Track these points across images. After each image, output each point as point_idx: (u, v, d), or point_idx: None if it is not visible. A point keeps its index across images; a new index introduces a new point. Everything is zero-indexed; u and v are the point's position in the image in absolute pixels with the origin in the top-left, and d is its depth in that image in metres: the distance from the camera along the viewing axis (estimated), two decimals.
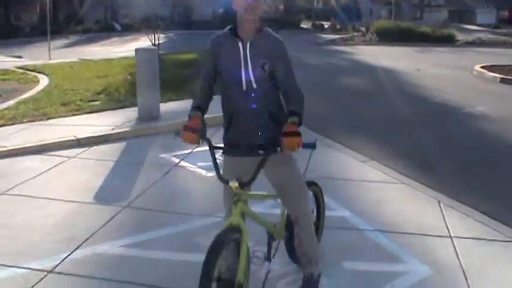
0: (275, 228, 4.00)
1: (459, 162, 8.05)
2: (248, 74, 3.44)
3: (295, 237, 3.92)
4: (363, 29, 42.88)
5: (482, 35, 42.58)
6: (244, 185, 3.31)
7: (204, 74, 3.68)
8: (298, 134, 3.20)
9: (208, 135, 3.48)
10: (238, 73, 3.46)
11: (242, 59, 3.44)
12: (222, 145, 3.66)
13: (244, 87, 3.46)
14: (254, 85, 3.45)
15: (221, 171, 3.47)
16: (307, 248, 3.91)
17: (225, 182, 3.35)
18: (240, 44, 3.44)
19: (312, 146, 3.27)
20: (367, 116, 11.59)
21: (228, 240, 3.18)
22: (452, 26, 42.75)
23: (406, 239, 5.12)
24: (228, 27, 3.55)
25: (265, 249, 3.93)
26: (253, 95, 3.47)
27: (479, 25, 66.53)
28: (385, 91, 15.38)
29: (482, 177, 7.25)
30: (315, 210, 4.49)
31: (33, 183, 6.58)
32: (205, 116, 3.60)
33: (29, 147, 7.95)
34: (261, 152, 3.39)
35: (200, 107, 3.60)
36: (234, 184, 3.28)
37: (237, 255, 3.23)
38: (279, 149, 3.24)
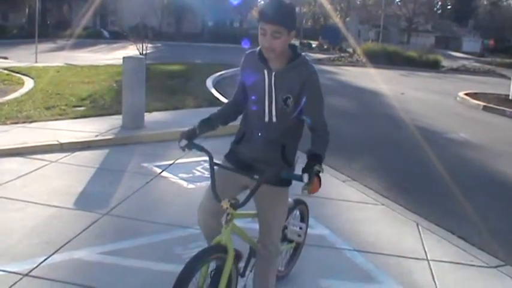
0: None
1: (440, 186, 8.12)
2: (271, 107, 3.33)
3: (256, 266, 3.74)
4: (350, 50, 43.21)
5: (467, 63, 43.25)
6: (237, 206, 3.24)
7: (236, 89, 3.61)
8: (319, 186, 3.18)
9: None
10: (261, 103, 3.35)
11: (267, 90, 3.31)
12: (219, 162, 3.57)
13: (266, 118, 3.36)
14: (274, 119, 3.35)
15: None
16: (266, 280, 3.69)
17: (218, 200, 3.27)
18: (266, 73, 3.30)
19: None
20: (349, 136, 11.66)
21: (208, 258, 3.16)
22: (438, 52, 43.30)
23: (383, 260, 5.15)
24: (259, 48, 3.30)
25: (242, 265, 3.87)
26: (271, 127, 3.37)
27: (464, 52, 67.53)
28: (369, 113, 15.52)
29: (462, 202, 7.31)
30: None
31: (12, 186, 6.53)
32: None
33: (11, 149, 7.88)
34: (255, 176, 3.30)
35: (209, 119, 3.58)
36: (226, 204, 3.21)
37: (220, 274, 3.21)
38: (303, 182, 3.13)
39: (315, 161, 3.23)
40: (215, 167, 3.45)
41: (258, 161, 3.43)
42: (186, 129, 3.52)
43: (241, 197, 3.31)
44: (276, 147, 3.39)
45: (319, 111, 3.36)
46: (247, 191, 3.37)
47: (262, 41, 3.18)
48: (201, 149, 3.46)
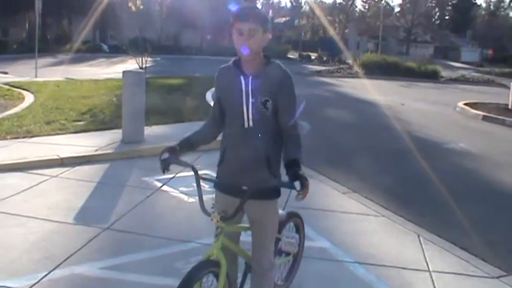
0: None
1: (440, 197, 8.10)
2: (250, 111, 3.30)
3: (251, 281, 3.67)
4: (349, 61, 43.30)
5: (466, 73, 43.25)
6: (226, 219, 3.26)
7: (213, 106, 3.62)
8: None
9: (190, 160, 3.49)
10: (240, 110, 3.32)
11: (244, 95, 3.30)
12: (210, 178, 3.59)
13: (245, 124, 3.32)
14: (254, 123, 3.31)
15: (212, 202, 3.42)
16: None
17: (207, 214, 3.29)
18: (242, 78, 3.30)
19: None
20: (350, 148, 11.67)
21: (201, 274, 3.15)
22: (437, 62, 43.44)
23: (384, 272, 5.13)
24: (233, 59, 3.39)
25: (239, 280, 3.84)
26: (252, 133, 3.32)
27: (463, 62, 67.60)
28: (369, 124, 15.53)
29: (463, 213, 7.29)
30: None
31: (13, 201, 6.52)
32: None
33: (11, 164, 7.89)
34: (244, 188, 3.24)
35: (187, 139, 3.58)
36: (215, 217, 3.24)
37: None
38: (295, 190, 3.08)
39: (296, 166, 3.20)
40: (201, 181, 3.44)
41: (243, 173, 3.36)
42: (167, 146, 3.51)
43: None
44: (259, 157, 3.33)
45: (292, 113, 3.35)
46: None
47: (239, 40, 3.22)
48: (186, 164, 3.44)
